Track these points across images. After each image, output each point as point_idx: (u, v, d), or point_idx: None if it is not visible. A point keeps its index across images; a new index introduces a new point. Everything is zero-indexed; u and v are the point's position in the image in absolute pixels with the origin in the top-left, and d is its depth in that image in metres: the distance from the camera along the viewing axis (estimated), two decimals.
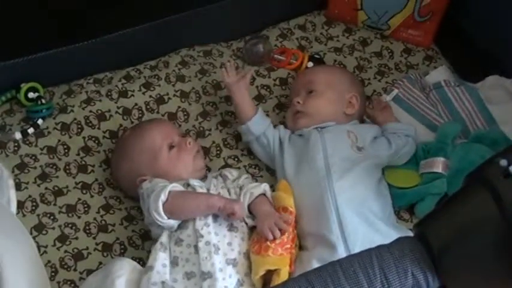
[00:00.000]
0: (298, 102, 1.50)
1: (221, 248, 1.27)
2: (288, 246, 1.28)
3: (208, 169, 1.52)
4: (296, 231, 1.35)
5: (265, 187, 1.39)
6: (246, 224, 1.35)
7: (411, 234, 1.25)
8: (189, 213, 1.30)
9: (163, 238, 1.30)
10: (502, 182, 0.71)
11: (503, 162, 0.72)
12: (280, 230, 1.27)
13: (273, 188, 1.43)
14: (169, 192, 1.29)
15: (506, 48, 1.55)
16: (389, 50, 1.75)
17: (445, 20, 1.70)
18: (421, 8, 1.66)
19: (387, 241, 1.27)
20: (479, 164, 0.76)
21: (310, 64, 1.69)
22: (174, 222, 1.29)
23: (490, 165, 0.74)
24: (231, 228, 1.32)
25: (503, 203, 0.69)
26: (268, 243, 1.26)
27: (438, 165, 1.42)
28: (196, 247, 1.27)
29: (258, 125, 1.49)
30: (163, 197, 1.28)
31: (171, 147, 1.42)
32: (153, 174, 1.38)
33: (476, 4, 1.62)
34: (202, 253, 1.25)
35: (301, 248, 1.36)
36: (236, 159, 1.55)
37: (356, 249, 1.25)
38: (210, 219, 1.30)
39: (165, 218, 1.27)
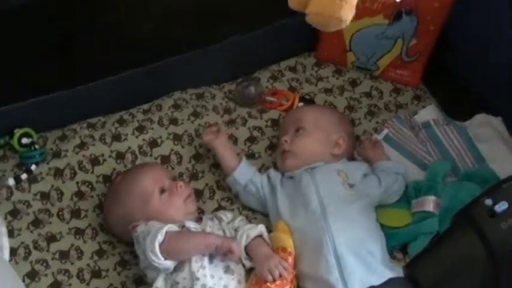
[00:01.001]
0: (286, 141, 1.52)
1: None
2: (288, 287, 1.29)
3: (202, 212, 1.53)
4: (295, 272, 1.35)
5: (261, 228, 1.40)
6: (243, 265, 1.35)
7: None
8: (186, 253, 1.31)
9: (159, 282, 1.30)
10: (488, 222, 0.72)
11: (489, 202, 0.74)
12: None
13: (268, 229, 1.43)
14: (166, 232, 1.30)
15: (492, 87, 1.57)
16: (378, 90, 1.77)
17: (432, 59, 1.73)
18: (408, 48, 1.69)
19: (383, 281, 1.28)
20: (466, 204, 0.77)
21: (301, 105, 1.71)
22: (170, 264, 1.29)
23: (476, 204, 0.75)
24: (227, 270, 1.32)
25: (489, 243, 0.70)
26: (268, 283, 1.27)
27: (429, 204, 1.43)
28: None
29: (244, 174, 1.51)
30: (160, 238, 1.28)
31: (162, 191, 1.42)
32: (146, 219, 1.38)
33: (461, 44, 1.65)
34: None
35: None
36: (230, 201, 1.56)
37: None
38: (206, 261, 1.30)
39: (162, 259, 1.27)
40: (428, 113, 1.65)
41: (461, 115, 1.64)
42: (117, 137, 1.62)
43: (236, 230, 1.40)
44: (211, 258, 1.32)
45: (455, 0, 1.56)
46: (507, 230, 0.71)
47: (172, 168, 1.60)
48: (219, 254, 1.31)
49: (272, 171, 1.54)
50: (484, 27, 1.53)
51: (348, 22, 0.86)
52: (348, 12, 0.85)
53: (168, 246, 1.28)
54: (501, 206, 0.72)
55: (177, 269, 1.31)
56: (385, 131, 1.64)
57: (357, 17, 1.64)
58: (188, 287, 1.28)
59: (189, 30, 1.60)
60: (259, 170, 1.59)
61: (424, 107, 1.70)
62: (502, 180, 0.80)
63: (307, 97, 1.74)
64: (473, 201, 0.74)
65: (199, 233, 1.37)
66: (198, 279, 1.27)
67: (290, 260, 1.34)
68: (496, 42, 1.51)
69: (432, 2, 1.56)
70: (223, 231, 1.41)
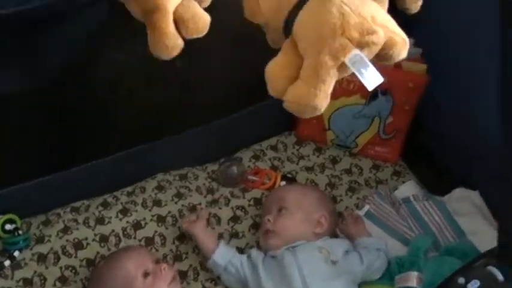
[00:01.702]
0: (269, 220, 1.54)
1: None
2: None
3: None
4: None
5: None
6: None
7: None
8: None
9: None
10: None
11: (461, 280, 0.75)
12: None
13: None
14: None
15: (467, 162, 1.61)
16: (358, 167, 1.81)
17: (409, 136, 1.77)
18: (385, 126, 1.74)
19: None
20: (440, 283, 0.79)
21: (283, 183, 1.73)
22: None
23: (450, 283, 0.76)
24: None
25: None
26: None
27: (413, 279, 1.43)
28: None
29: (222, 256, 1.52)
30: None
31: (146, 275, 1.42)
32: None
33: (436, 122, 1.70)
34: None
35: None
36: (214, 282, 1.56)
37: None
38: None
39: None
40: (408, 188, 1.68)
41: (440, 190, 1.67)
42: (100, 220, 1.62)
43: None
44: None
45: (429, 81, 1.61)
46: None
47: (156, 250, 1.60)
48: None
49: (254, 251, 1.55)
50: (455, 107, 1.58)
51: (322, 110, 0.90)
52: (322, 101, 0.88)
53: None
54: (473, 285, 0.73)
55: None
56: (366, 207, 1.66)
57: (335, 97, 1.68)
58: None
59: (172, 114, 1.63)
60: (243, 250, 1.60)
61: (403, 182, 1.73)
62: (474, 259, 0.82)
63: (289, 175, 1.77)
64: (447, 280, 0.75)
65: None
66: None
67: None
68: (468, 119, 1.56)
69: (406, 83, 1.62)
70: None
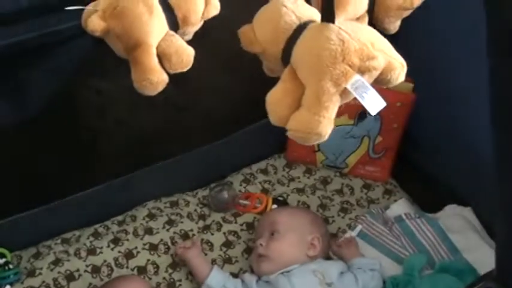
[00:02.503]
0: (261, 245, 1.53)
1: None
2: None
3: None
4: None
5: None
6: None
7: None
8: None
9: None
10: None
11: None
12: None
13: None
14: None
15: (459, 178, 1.62)
16: (349, 187, 1.80)
17: (399, 154, 1.78)
18: (374, 146, 1.74)
19: None
20: None
21: (275, 206, 1.73)
22: None
23: None
24: None
25: None
26: None
27: None
28: None
29: (217, 279, 1.51)
30: None
31: None
32: None
33: (426, 139, 1.71)
34: None
35: None
36: None
37: None
38: None
39: None
40: (400, 207, 1.68)
41: (432, 207, 1.67)
42: (92, 251, 1.60)
43: None
44: None
45: (416, 99, 1.62)
46: None
47: (150, 278, 1.58)
48: None
49: (247, 275, 1.54)
50: (446, 121, 1.59)
51: (327, 137, 0.90)
52: (326, 127, 0.88)
53: None
54: None
55: None
56: (359, 227, 1.65)
57: None
58: None
59: (161, 141, 1.63)
60: (237, 275, 1.59)
61: (395, 201, 1.73)
62: (473, 283, 0.81)
63: (280, 198, 1.76)
64: None
65: None
66: None
67: None
68: (459, 134, 1.57)
69: (394, 102, 1.62)
70: None
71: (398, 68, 0.90)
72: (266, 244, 1.53)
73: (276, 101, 0.91)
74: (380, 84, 0.92)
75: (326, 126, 0.87)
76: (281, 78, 0.94)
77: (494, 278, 0.81)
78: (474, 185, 1.58)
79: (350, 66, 0.86)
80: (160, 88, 1.01)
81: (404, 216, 1.62)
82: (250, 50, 0.99)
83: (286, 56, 0.93)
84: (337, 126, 1.69)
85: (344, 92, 0.88)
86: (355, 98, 0.89)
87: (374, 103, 0.87)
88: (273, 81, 1.68)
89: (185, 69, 1.03)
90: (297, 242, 1.53)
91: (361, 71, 0.87)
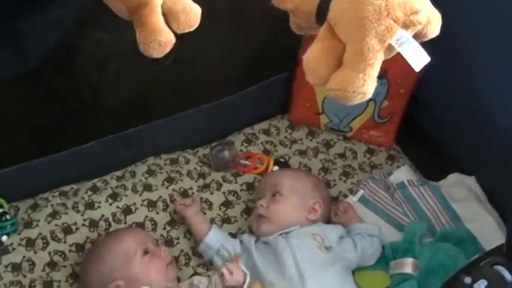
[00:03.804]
0: (262, 205, 1.51)
1: None
2: None
3: (178, 279, 1.50)
4: None
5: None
6: None
7: None
8: None
9: None
10: None
11: (468, 280, 0.73)
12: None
13: None
14: None
15: (465, 147, 1.59)
16: (352, 151, 1.78)
17: (405, 120, 1.75)
18: (380, 110, 1.71)
19: None
20: (445, 281, 0.76)
21: (276, 168, 1.71)
22: None
23: (456, 282, 0.74)
24: None
25: None
26: None
27: (408, 266, 1.42)
28: None
29: (215, 238, 1.51)
30: None
31: (145, 253, 1.41)
32: (125, 279, 1.36)
33: (432, 105, 1.67)
34: None
35: None
36: (205, 267, 1.54)
37: None
38: None
39: None
40: (403, 173, 1.66)
41: (435, 175, 1.65)
42: (90, 205, 1.59)
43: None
44: None
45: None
46: None
47: None
48: None
49: (245, 236, 1.53)
50: (456, 89, 1.56)
51: (371, 95, 0.88)
52: (371, 86, 0.86)
53: None
54: (480, 285, 0.71)
55: None
56: (361, 192, 1.64)
57: None
58: None
59: (163, 96, 1.60)
60: (235, 235, 1.58)
61: (398, 167, 1.72)
62: (480, 257, 0.80)
63: (282, 160, 1.74)
64: (452, 279, 0.73)
65: None
66: None
67: None
68: (468, 103, 1.54)
69: (402, 66, 1.58)
70: None
71: (434, 22, 0.88)
72: (267, 205, 1.51)
73: (314, 60, 0.88)
74: (416, 38, 0.89)
75: (371, 84, 0.85)
76: (318, 36, 0.91)
77: (503, 254, 0.79)
78: (480, 155, 1.56)
79: (394, 21, 0.84)
80: (168, 49, 0.97)
81: (406, 183, 1.61)
82: (282, 6, 0.96)
83: (321, 13, 0.90)
84: None
85: (387, 48, 0.85)
86: None
87: (419, 58, 0.85)
88: (277, 41, 1.66)
89: (193, 29, 0.99)
90: (298, 206, 1.51)
91: (406, 26, 0.85)
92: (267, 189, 1.55)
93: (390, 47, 0.85)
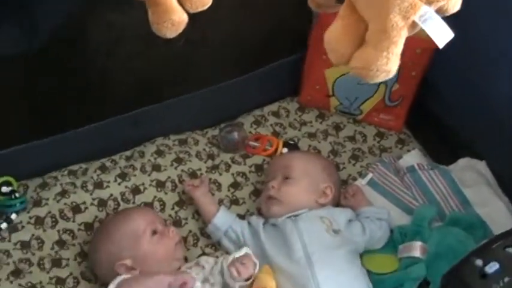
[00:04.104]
0: (273, 187, 1.51)
1: None
2: None
3: (186, 259, 1.50)
4: None
5: (246, 250, 1.40)
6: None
7: None
8: None
9: None
10: (479, 283, 0.71)
11: (479, 262, 0.72)
12: None
13: None
14: (119, 282, 1.30)
15: (476, 131, 1.58)
16: (362, 134, 1.77)
17: (415, 104, 1.74)
18: (391, 93, 1.70)
19: None
20: (456, 263, 0.76)
21: (285, 150, 1.70)
22: None
23: (466, 265, 0.73)
24: None
25: None
26: None
27: (416, 249, 1.41)
28: None
29: (224, 219, 1.51)
30: (112, 287, 1.29)
31: (154, 232, 1.41)
32: (133, 258, 1.37)
33: (443, 89, 1.66)
34: None
35: None
36: (213, 248, 1.54)
37: None
38: None
39: None
40: (413, 157, 1.65)
41: (445, 159, 1.64)
42: (99, 185, 1.59)
43: (223, 274, 1.38)
44: None
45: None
46: None
47: None
48: None
49: (253, 218, 1.53)
50: (468, 72, 1.54)
51: (394, 73, 0.86)
52: (395, 64, 0.86)
53: None
54: (492, 267, 0.71)
55: None
56: (370, 175, 1.63)
57: None
58: None
59: (173, 77, 1.60)
60: (244, 216, 1.58)
61: (408, 151, 1.71)
62: (492, 240, 0.79)
63: (291, 142, 1.73)
64: (463, 261, 0.73)
65: (150, 274, 1.33)
66: None
67: None
68: (479, 86, 1.53)
69: (414, 48, 1.57)
70: (206, 279, 1.39)
71: None
72: (278, 187, 1.51)
73: (336, 39, 0.87)
74: (437, 13, 0.87)
75: (394, 62, 0.85)
76: (338, 14, 0.90)
77: None
78: (491, 139, 1.55)
79: None
80: (181, 29, 0.96)
81: (416, 167, 1.60)
82: None
83: None
84: None
85: (411, 25, 0.84)
86: None
87: (442, 34, 0.83)
88: (288, 22, 1.65)
89: (206, 7, 0.98)
90: (309, 189, 1.51)
91: (429, 2, 0.84)
92: (278, 171, 1.55)
93: (413, 24, 0.84)
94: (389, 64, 0.84)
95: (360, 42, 0.86)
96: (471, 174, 1.57)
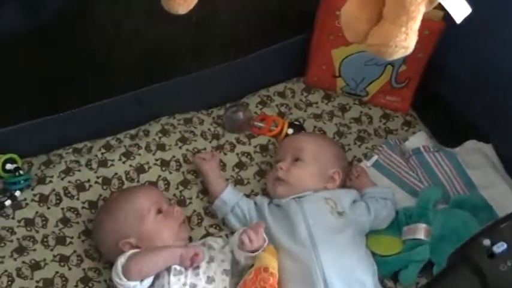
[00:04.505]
0: (282, 168, 1.50)
1: None
2: None
3: (190, 239, 1.50)
4: None
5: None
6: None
7: None
8: (150, 267, 1.30)
9: None
10: (487, 263, 0.71)
11: (486, 242, 0.72)
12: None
13: None
14: (130, 254, 1.31)
15: (483, 113, 1.57)
16: (368, 116, 1.76)
17: (422, 86, 1.72)
18: (397, 75, 1.69)
19: None
20: (463, 243, 0.75)
21: (290, 131, 1.69)
22: (134, 284, 1.28)
23: (474, 244, 0.73)
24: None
25: (488, 285, 0.68)
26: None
27: (420, 231, 1.41)
28: None
29: (231, 196, 1.50)
30: (123, 259, 1.29)
31: (158, 211, 1.42)
32: (137, 236, 1.37)
33: (450, 70, 1.65)
34: None
35: None
36: (218, 227, 1.54)
37: None
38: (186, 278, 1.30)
39: (124, 279, 1.27)
40: (419, 139, 1.64)
41: (451, 142, 1.63)
42: (103, 163, 1.59)
43: (233, 252, 1.39)
44: (193, 287, 1.31)
45: (446, 27, 1.55)
46: (506, 272, 0.69)
47: None
48: (186, 263, 1.31)
49: (258, 197, 1.53)
50: (475, 54, 1.53)
51: (412, 49, 0.85)
52: (413, 40, 0.85)
53: (130, 265, 1.28)
54: (500, 247, 0.70)
55: None
56: (375, 157, 1.63)
57: (346, 43, 1.66)
58: None
59: (178, 56, 1.59)
60: (248, 197, 1.57)
61: (414, 133, 1.70)
62: (500, 220, 0.78)
63: (297, 123, 1.73)
64: (470, 240, 0.72)
65: (161, 246, 1.36)
66: None
67: (272, 280, 1.30)
68: (487, 69, 1.51)
69: (422, 29, 1.55)
70: (213, 259, 1.39)
71: None
72: (287, 169, 1.50)
73: (352, 15, 0.86)
74: None
75: (413, 39, 0.84)
76: None
77: None
78: (497, 122, 1.54)
79: None
80: (192, 5, 0.95)
81: (422, 149, 1.59)
82: None
83: None
84: (360, 52, 1.65)
85: (429, 0, 0.83)
86: None
87: (460, 9, 0.82)
88: (295, 2, 1.64)
89: None
90: (318, 174, 1.50)
91: None
92: (288, 152, 1.54)
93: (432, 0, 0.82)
94: (408, 40, 0.83)
95: (377, 19, 0.85)
96: (477, 156, 1.56)
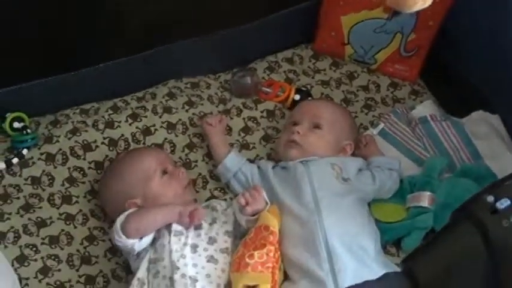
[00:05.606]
0: (298, 132, 1.50)
1: (199, 279, 1.26)
2: (270, 265, 1.27)
3: (195, 202, 1.51)
4: (280, 254, 1.33)
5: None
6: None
7: (398, 269, 1.25)
8: (149, 224, 1.31)
9: (141, 273, 1.30)
10: (490, 218, 0.71)
11: (490, 199, 0.72)
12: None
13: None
14: (129, 213, 1.32)
15: (491, 84, 1.57)
16: (375, 84, 1.76)
17: (430, 55, 1.71)
18: (407, 43, 1.68)
19: (376, 277, 1.27)
20: (466, 200, 0.76)
21: (297, 97, 1.69)
22: (132, 242, 1.29)
23: (477, 201, 0.73)
24: (211, 259, 1.31)
25: (490, 240, 0.69)
26: (247, 259, 1.25)
27: (425, 199, 1.42)
28: (171, 279, 1.26)
29: (234, 161, 1.51)
30: (122, 217, 1.30)
31: (164, 173, 1.42)
32: (143, 197, 1.39)
33: (460, 40, 1.64)
34: (177, 286, 1.25)
35: (286, 277, 1.35)
36: (222, 191, 1.55)
37: (345, 286, 1.25)
38: (187, 250, 1.30)
39: (123, 236, 1.28)
40: (426, 108, 1.64)
41: (458, 111, 1.63)
42: (110, 124, 1.60)
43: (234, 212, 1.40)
44: (194, 247, 1.31)
45: None
46: (509, 227, 0.70)
47: None
48: (184, 221, 1.31)
49: (262, 162, 1.54)
50: (486, 23, 1.51)
51: (430, 2, 0.84)
52: None
53: (129, 222, 1.29)
54: (503, 203, 0.71)
55: (158, 258, 1.30)
56: (381, 125, 1.63)
57: (356, 10, 1.65)
58: (168, 276, 1.27)
59: (187, 19, 1.58)
60: (253, 161, 1.58)
61: (421, 102, 1.70)
62: (505, 178, 0.78)
63: (304, 89, 1.72)
64: (474, 197, 0.72)
65: (161, 205, 1.37)
66: (178, 268, 1.27)
67: (272, 238, 1.31)
68: (497, 38, 1.50)
69: None
70: (216, 220, 1.39)
71: None
72: (304, 133, 1.50)
73: None
74: None
75: None
76: None
77: None
78: (506, 93, 1.53)
79: None
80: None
81: (429, 118, 1.59)
82: None
83: None
84: (370, 19, 1.64)
85: None
86: None
87: None
88: None
89: None
90: (333, 143, 1.51)
91: None
92: (306, 118, 1.53)
93: None
94: None
95: None
96: (484, 127, 1.56)
